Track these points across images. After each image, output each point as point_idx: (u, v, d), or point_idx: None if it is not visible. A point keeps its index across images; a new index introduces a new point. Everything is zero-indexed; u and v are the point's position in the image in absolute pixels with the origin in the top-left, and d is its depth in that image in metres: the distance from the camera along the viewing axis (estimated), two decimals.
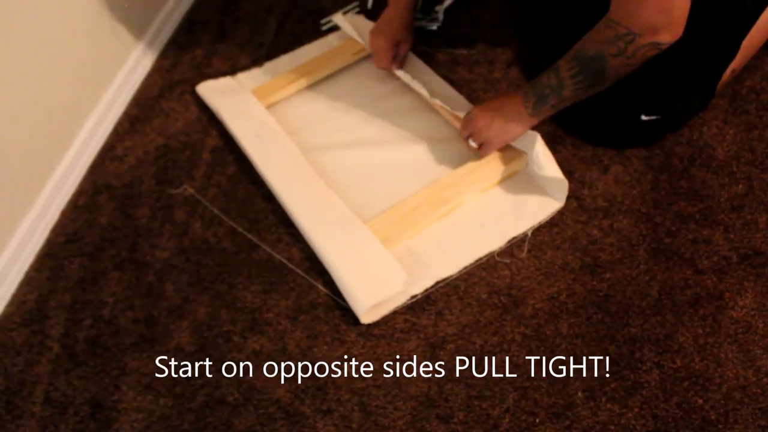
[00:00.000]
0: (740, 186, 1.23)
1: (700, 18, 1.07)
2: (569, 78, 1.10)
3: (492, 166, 1.26)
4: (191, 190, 1.36)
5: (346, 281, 1.14)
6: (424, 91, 1.38)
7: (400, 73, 1.43)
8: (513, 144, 1.25)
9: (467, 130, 1.26)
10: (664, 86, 1.22)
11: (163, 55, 1.66)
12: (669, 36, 0.99)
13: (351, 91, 1.50)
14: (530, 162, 1.22)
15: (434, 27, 1.59)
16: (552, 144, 1.32)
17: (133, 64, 1.58)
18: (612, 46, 1.02)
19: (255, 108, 1.44)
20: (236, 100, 1.46)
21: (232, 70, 1.58)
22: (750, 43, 1.23)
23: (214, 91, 1.50)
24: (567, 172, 1.27)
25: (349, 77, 1.53)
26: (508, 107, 1.20)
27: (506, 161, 1.26)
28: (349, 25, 1.56)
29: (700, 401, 1.01)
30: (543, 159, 1.20)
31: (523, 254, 1.18)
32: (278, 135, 1.38)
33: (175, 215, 1.33)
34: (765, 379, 1.02)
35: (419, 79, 1.43)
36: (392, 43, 1.44)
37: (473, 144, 1.26)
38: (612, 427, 0.99)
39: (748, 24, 1.18)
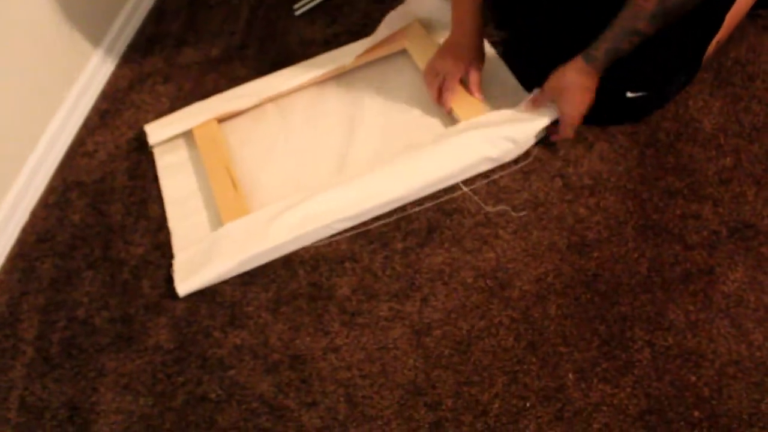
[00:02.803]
0: (728, 159, 1.21)
1: None
2: (652, 32, 1.08)
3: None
4: None
5: None
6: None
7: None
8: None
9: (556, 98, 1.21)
10: (649, 62, 1.19)
11: (132, 47, 1.62)
12: None
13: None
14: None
15: None
16: None
17: (102, 57, 1.53)
18: None
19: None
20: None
21: (204, 60, 1.54)
22: (732, 12, 1.21)
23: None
24: (551, 150, 1.25)
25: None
26: (588, 80, 1.17)
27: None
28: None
29: (693, 378, 0.98)
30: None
31: (490, 207, 1.16)
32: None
33: (149, 210, 1.29)
34: (758, 353, 1.00)
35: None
36: (461, 64, 1.31)
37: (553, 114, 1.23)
38: (604, 408, 0.97)
39: None
